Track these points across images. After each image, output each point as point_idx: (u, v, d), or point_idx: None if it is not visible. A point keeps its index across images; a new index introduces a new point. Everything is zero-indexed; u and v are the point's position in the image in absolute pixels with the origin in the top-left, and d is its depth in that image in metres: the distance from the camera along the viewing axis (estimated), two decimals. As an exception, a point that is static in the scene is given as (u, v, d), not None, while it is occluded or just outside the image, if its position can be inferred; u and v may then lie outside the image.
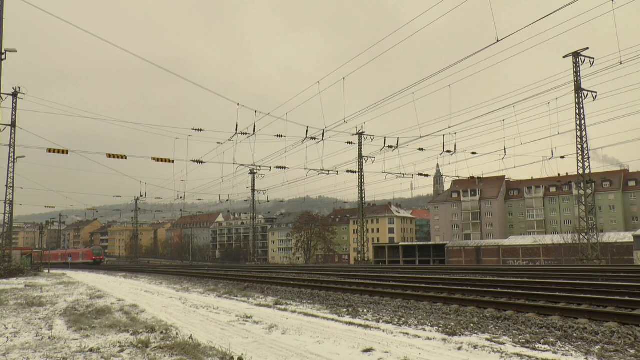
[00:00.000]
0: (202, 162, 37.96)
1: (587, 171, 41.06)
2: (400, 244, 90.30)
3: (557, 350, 6.79)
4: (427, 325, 9.10)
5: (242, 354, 6.70)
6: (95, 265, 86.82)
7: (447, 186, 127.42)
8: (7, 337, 8.55)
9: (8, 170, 41.39)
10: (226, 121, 46.61)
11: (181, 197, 53.38)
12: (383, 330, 8.61)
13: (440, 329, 8.67)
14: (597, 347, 6.93)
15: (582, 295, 11.60)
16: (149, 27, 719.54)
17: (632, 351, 6.66)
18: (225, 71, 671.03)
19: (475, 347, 7.02)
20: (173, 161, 35.08)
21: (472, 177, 56.23)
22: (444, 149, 40.61)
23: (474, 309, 11.00)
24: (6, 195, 41.95)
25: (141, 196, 63.02)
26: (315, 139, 37.83)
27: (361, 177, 58.38)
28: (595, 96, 39.53)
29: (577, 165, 41.24)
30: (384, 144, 42.94)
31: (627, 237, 57.85)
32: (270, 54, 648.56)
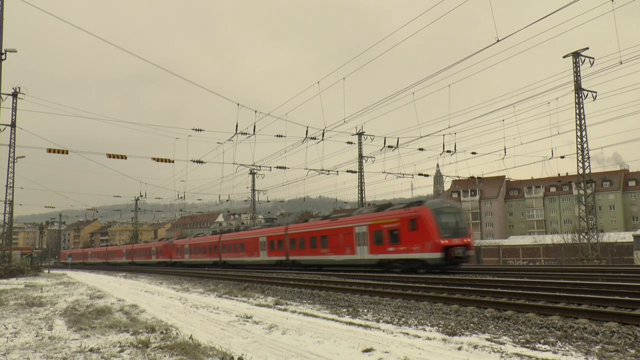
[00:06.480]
0: (202, 162, 37.91)
1: (587, 171, 41.04)
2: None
3: (557, 350, 6.79)
4: (427, 325, 9.09)
5: (242, 354, 6.70)
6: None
7: (447, 186, 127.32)
8: (7, 337, 8.56)
9: (8, 170, 41.37)
10: (226, 122, 46.56)
11: (181, 197, 53.16)
12: (383, 330, 8.61)
13: (440, 329, 8.66)
14: (597, 347, 6.93)
15: (582, 295, 11.57)
16: (140, 36, 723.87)
17: (632, 351, 6.66)
18: (219, 79, 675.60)
19: (475, 347, 7.02)
20: (173, 161, 35.04)
21: (472, 177, 56.08)
22: (444, 149, 40.51)
23: (474, 309, 10.99)
24: (6, 195, 41.92)
25: (141, 196, 62.77)
26: (315, 139, 37.76)
27: (361, 177, 58.26)
28: (595, 96, 39.45)
29: (577, 165, 41.21)
30: (384, 144, 42.82)
31: (627, 237, 57.84)
32: (260, 63, 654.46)
